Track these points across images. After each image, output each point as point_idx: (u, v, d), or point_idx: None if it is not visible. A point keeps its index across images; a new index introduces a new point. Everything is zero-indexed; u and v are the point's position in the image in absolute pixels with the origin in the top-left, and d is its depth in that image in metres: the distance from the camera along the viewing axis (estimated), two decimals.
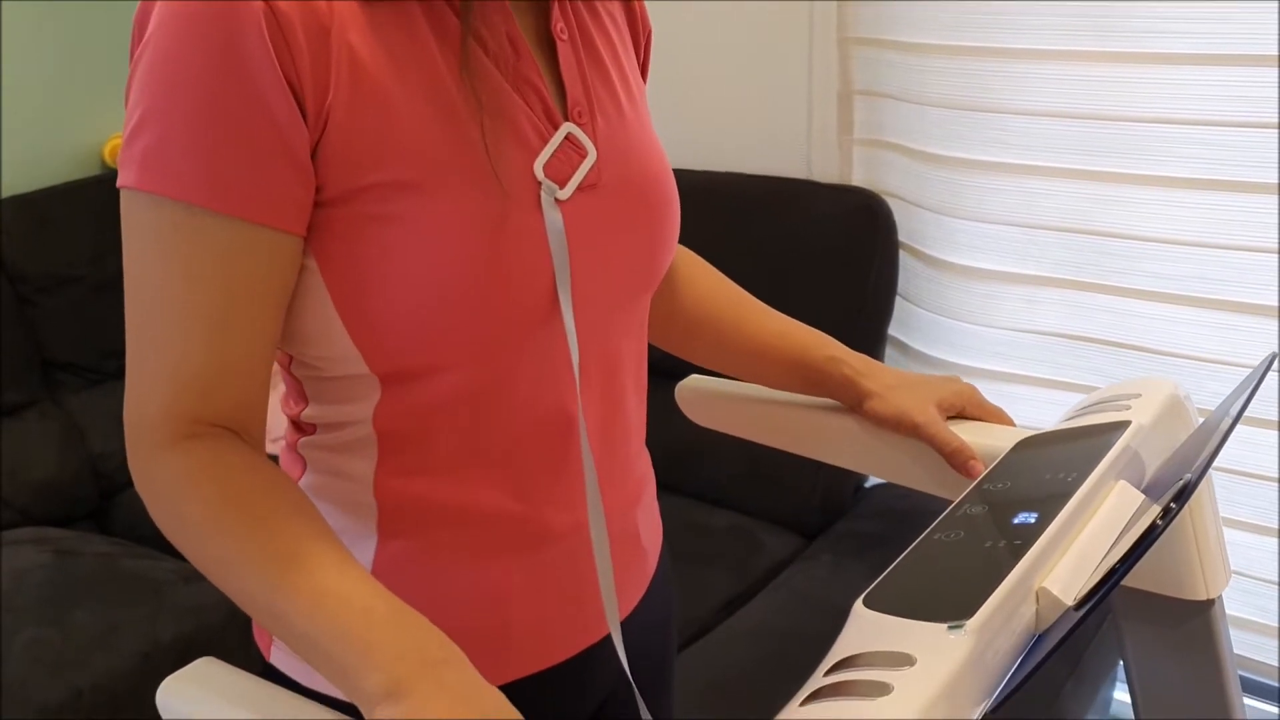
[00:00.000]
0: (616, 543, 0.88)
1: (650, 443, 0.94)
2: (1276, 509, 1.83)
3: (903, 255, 2.07)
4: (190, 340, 0.69)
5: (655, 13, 0.92)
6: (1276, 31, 1.63)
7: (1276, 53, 1.64)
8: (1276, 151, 1.69)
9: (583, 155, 0.76)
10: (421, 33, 0.70)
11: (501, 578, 0.82)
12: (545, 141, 0.74)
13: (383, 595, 0.65)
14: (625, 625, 0.89)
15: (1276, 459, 1.79)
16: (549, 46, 0.77)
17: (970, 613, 0.57)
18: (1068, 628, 0.58)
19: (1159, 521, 0.57)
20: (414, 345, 0.72)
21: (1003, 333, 1.98)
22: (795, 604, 1.76)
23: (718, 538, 1.97)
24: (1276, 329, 1.75)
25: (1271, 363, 0.71)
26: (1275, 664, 1.94)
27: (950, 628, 0.56)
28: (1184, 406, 0.84)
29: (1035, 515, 0.66)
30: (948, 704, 0.54)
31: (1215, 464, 0.66)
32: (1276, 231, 1.71)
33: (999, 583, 0.59)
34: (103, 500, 2.23)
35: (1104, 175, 1.83)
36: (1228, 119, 1.71)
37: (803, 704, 0.55)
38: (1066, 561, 0.63)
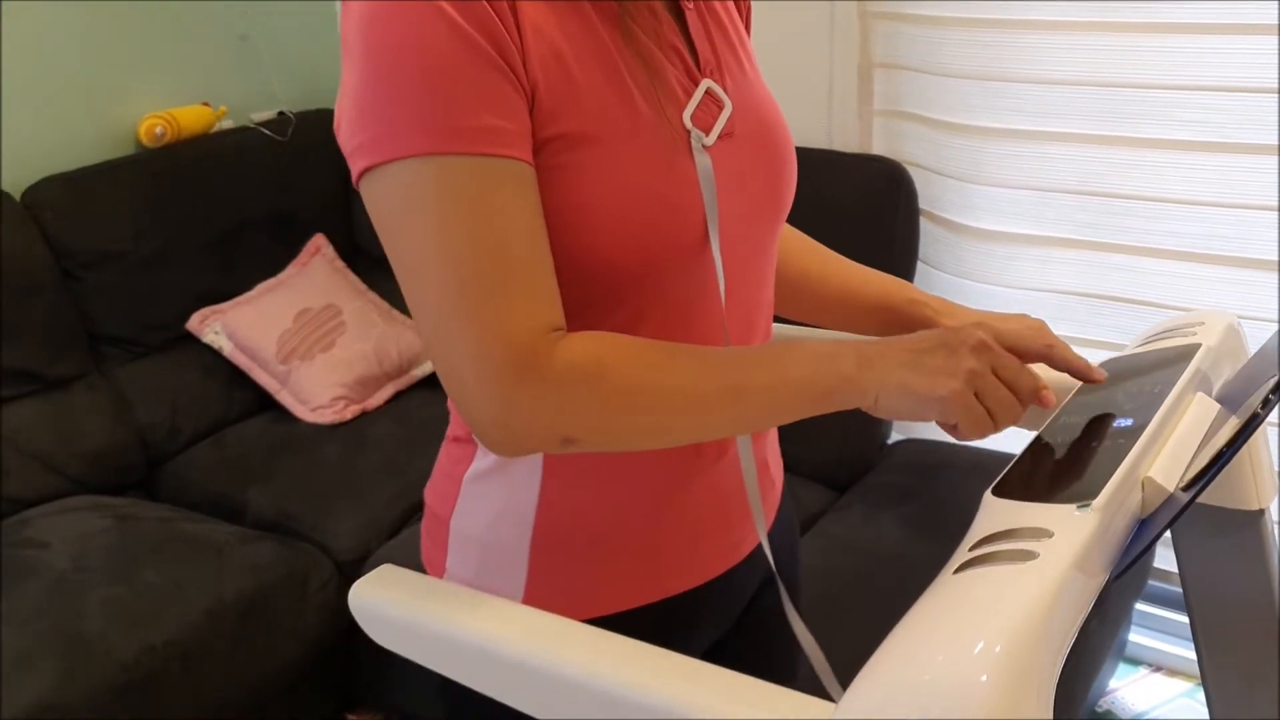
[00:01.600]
0: (760, 466, 0.97)
1: None
2: None
3: (923, 221, 2.16)
4: (522, 254, 0.75)
5: None
6: (1276, 3, 1.73)
7: (1276, 22, 1.74)
8: (1277, 115, 1.79)
9: (720, 107, 0.85)
10: (586, 12, 0.79)
11: (657, 504, 0.91)
12: (689, 96, 0.83)
13: (827, 348, 0.79)
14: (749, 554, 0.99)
15: None
16: (678, 14, 0.86)
17: (1094, 495, 0.66)
18: (1173, 512, 0.67)
19: (1259, 411, 0.66)
20: (582, 281, 0.80)
21: (1022, 292, 2.07)
22: (834, 548, 1.86)
23: None
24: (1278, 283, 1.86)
25: None
26: None
27: (1079, 507, 0.65)
28: (1239, 334, 0.93)
29: (1131, 420, 0.75)
30: (1083, 568, 0.63)
31: None
32: (1278, 191, 1.82)
33: (1114, 471, 0.68)
34: (150, 469, 2.29)
35: (1116, 140, 1.93)
36: (1232, 84, 1.81)
37: (955, 572, 0.64)
38: (1164, 457, 0.72)
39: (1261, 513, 0.98)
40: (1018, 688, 0.56)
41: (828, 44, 2.17)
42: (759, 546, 0.99)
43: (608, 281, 0.81)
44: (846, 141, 2.20)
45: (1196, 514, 0.99)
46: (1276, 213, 1.82)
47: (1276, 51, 1.75)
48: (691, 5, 0.87)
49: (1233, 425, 0.71)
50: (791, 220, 1.07)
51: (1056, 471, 0.71)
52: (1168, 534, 0.73)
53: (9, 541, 1.93)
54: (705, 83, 0.84)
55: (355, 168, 0.76)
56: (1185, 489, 0.67)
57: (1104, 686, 2.13)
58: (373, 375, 2.38)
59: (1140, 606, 2.21)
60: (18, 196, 2.25)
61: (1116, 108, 1.91)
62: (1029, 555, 0.62)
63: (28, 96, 2.33)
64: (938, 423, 0.78)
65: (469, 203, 0.73)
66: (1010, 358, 0.77)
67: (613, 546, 0.90)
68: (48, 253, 2.22)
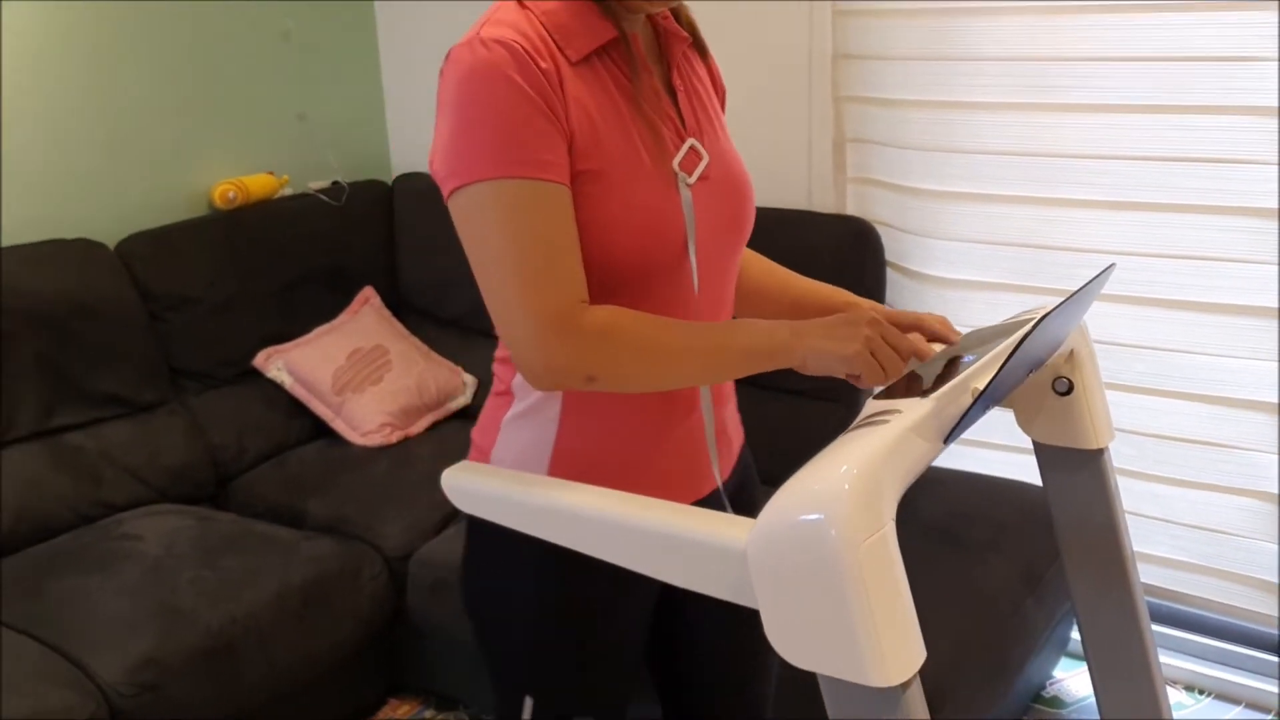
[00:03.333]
0: (716, 427, 1.31)
1: None
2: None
3: (890, 271, 2.51)
4: (563, 250, 1.08)
5: None
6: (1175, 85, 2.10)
7: (1175, 104, 2.11)
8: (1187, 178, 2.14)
9: (700, 158, 1.21)
10: (607, 84, 1.15)
11: (642, 444, 1.24)
12: (678, 149, 1.19)
13: (769, 325, 1.12)
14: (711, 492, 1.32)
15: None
16: (672, 92, 1.22)
17: (934, 392, 1.00)
18: (977, 405, 1.00)
19: (1013, 351, 1.00)
20: (600, 272, 1.14)
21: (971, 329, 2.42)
22: None
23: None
24: (1186, 321, 2.20)
25: (1107, 271, 1.15)
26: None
27: (921, 398, 1.00)
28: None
29: (973, 358, 1.10)
30: (919, 432, 0.97)
31: None
32: (1188, 240, 2.17)
33: (949, 381, 1.02)
34: (219, 485, 2.63)
35: (1050, 200, 2.29)
36: (1143, 155, 2.17)
37: (847, 432, 0.98)
38: (987, 378, 1.06)
39: (1101, 451, 1.31)
40: (867, 494, 0.89)
41: (807, 122, 2.54)
42: (717, 490, 1.33)
43: (617, 274, 1.16)
44: (824, 203, 2.56)
45: (1055, 455, 1.32)
46: (1190, 259, 2.17)
47: (1179, 127, 2.12)
48: (681, 86, 1.23)
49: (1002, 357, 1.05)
50: (777, 264, 1.42)
51: (916, 382, 1.06)
52: None
53: (109, 536, 2.27)
54: (690, 141, 1.20)
55: (446, 188, 1.11)
56: (976, 397, 1.01)
57: (1048, 673, 2.42)
58: (414, 406, 2.73)
59: None
60: (112, 248, 2.62)
61: (1050, 174, 2.28)
62: (884, 422, 0.96)
63: (121, 164, 2.72)
64: (846, 376, 1.12)
65: (526, 211, 1.08)
66: (894, 329, 1.11)
67: (606, 473, 1.22)
68: (137, 297, 2.59)
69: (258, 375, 2.74)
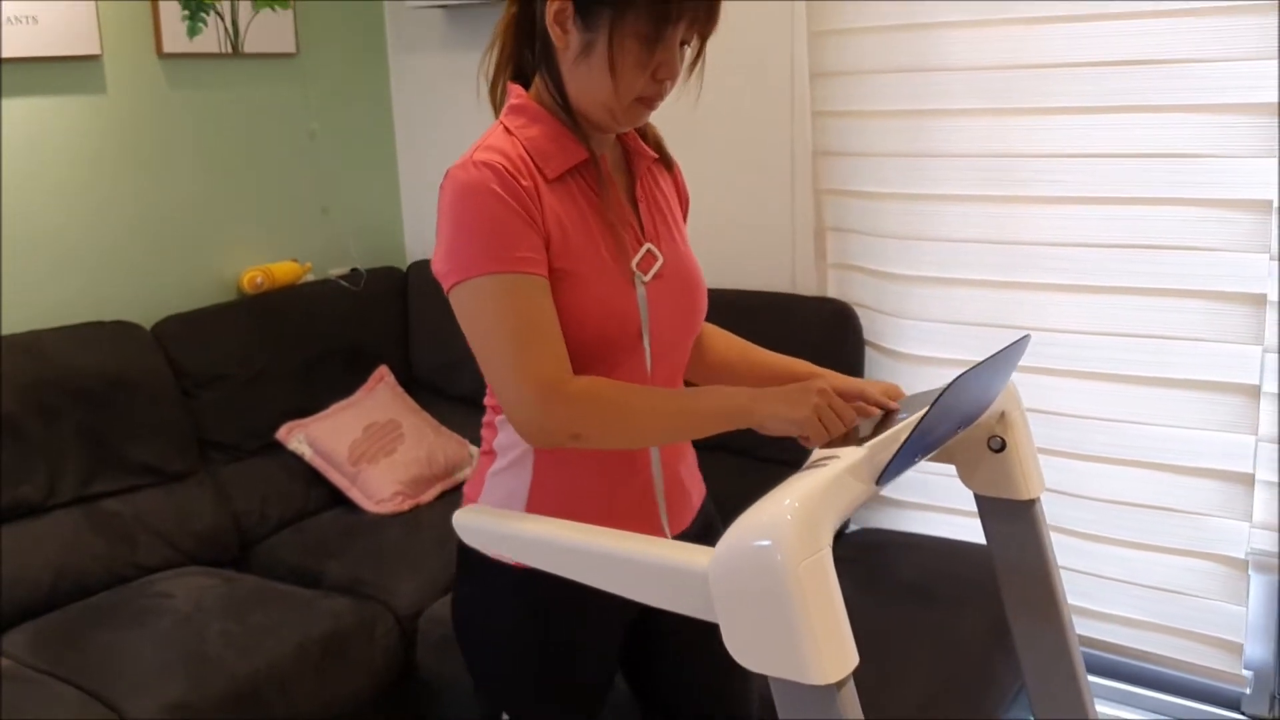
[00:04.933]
0: (671, 481, 1.50)
1: None
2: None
3: (868, 349, 2.71)
4: (546, 330, 1.28)
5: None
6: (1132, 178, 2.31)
7: (1128, 196, 2.31)
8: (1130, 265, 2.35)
9: (655, 259, 1.42)
10: (578, 197, 1.36)
11: (603, 497, 1.43)
12: (636, 251, 1.40)
13: (731, 391, 1.31)
14: (675, 538, 1.50)
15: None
16: (634, 203, 1.44)
17: (867, 442, 1.19)
18: (911, 458, 1.19)
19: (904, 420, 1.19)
20: (571, 350, 1.32)
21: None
22: None
23: None
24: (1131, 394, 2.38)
25: (1022, 341, 1.34)
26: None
27: (856, 445, 1.19)
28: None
29: (905, 415, 1.29)
30: (854, 474, 1.16)
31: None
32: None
33: (881, 433, 1.22)
34: (243, 549, 2.80)
35: (1013, 284, 2.49)
36: (1093, 241, 2.38)
37: (794, 475, 1.16)
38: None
39: (1034, 502, 1.49)
40: (806, 523, 1.08)
41: (790, 213, 2.76)
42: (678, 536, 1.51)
43: (585, 352, 1.35)
44: (806, 287, 2.77)
45: (993, 505, 1.50)
46: (1127, 337, 2.37)
47: (1119, 217, 2.33)
48: (643, 197, 1.45)
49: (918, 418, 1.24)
50: (764, 345, 1.61)
51: (854, 435, 1.25)
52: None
53: (142, 594, 2.44)
54: (646, 245, 1.42)
55: (446, 284, 1.31)
56: (897, 452, 1.20)
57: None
58: (425, 476, 2.91)
59: None
60: (149, 329, 2.83)
61: (1012, 260, 2.48)
62: (824, 465, 1.15)
63: (158, 252, 2.95)
64: (797, 438, 1.31)
65: (512, 299, 1.29)
66: (838, 398, 1.30)
67: (571, 518, 1.41)
68: (170, 374, 2.79)
69: (280, 447, 2.93)
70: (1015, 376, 2.50)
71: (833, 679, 1.07)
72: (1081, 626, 2.58)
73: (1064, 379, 2.46)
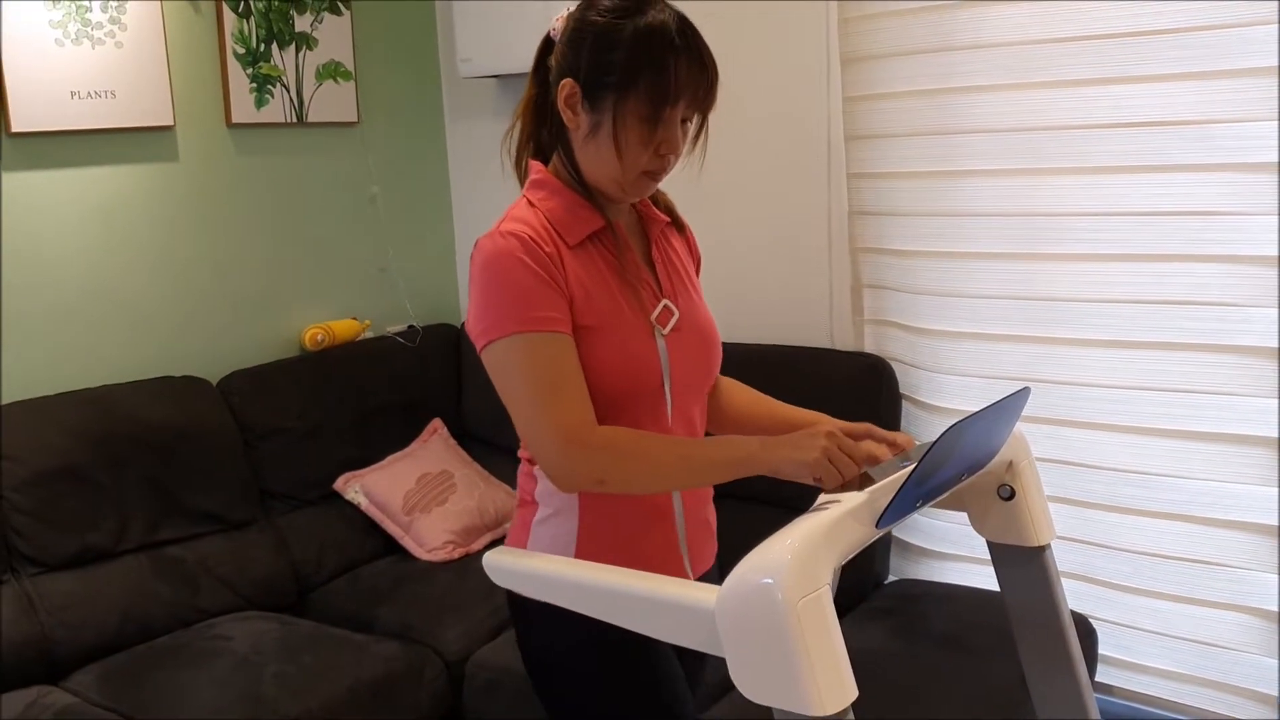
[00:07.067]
0: (694, 525, 1.58)
1: None
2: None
3: (904, 403, 2.77)
4: (570, 382, 1.38)
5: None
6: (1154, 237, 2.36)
7: (1145, 253, 2.36)
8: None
9: (672, 314, 1.51)
10: (598, 261, 1.47)
11: (636, 541, 1.51)
12: (654, 307, 1.50)
13: (742, 439, 1.38)
14: (699, 579, 1.58)
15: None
16: (650, 264, 1.54)
17: (869, 487, 1.27)
18: (912, 503, 1.26)
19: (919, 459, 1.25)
20: (595, 400, 1.42)
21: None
22: None
23: None
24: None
25: (1022, 393, 1.40)
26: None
27: (858, 490, 1.26)
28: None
29: (909, 463, 1.36)
30: (855, 517, 1.23)
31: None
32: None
33: (884, 479, 1.29)
34: (300, 595, 2.91)
35: (1041, 339, 2.54)
36: (1122, 297, 2.42)
37: (798, 518, 1.24)
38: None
39: (1044, 548, 1.54)
40: (806, 562, 1.15)
41: (828, 271, 2.84)
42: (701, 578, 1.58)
43: (611, 403, 1.45)
44: (844, 342, 2.84)
45: (1004, 551, 1.56)
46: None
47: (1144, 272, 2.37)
48: (659, 257, 1.55)
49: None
50: (800, 403, 1.68)
51: (868, 480, 1.32)
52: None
53: (203, 636, 2.56)
54: (664, 301, 1.52)
55: (479, 344, 1.42)
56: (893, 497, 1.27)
57: None
58: (475, 525, 3.01)
59: None
60: (215, 384, 2.97)
61: (1044, 315, 2.53)
62: (825, 509, 1.23)
63: (225, 310, 3.10)
64: (811, 481, 1.38)
65: (539, 355, 1.39)
66: (848, 440, 1.37)
67: (613, 561, 1.49)
68: (234, 427, 2.92)
69: (337, 497, 3.04)
70: (1047, 430, 2.59)
71: (831, 710, 1.13)
72: (1117, 678, 2.60)
73: (1095, 432, 2.50)
